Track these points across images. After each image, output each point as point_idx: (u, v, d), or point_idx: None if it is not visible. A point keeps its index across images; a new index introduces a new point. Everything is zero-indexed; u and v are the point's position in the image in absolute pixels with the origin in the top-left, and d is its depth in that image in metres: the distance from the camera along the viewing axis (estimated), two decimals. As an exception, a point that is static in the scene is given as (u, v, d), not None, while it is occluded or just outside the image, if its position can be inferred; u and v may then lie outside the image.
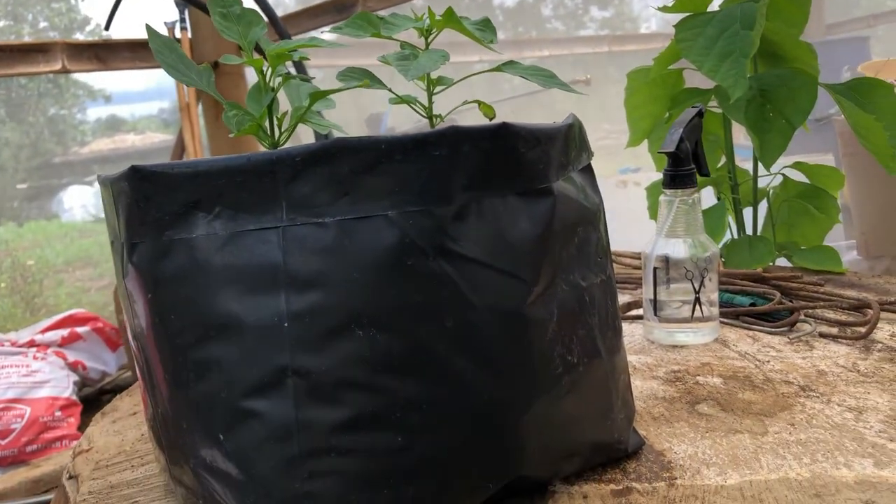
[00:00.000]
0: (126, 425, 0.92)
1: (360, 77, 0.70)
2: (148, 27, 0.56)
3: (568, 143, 0.57)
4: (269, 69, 0.54)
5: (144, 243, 0.52)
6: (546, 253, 0.53)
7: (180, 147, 2.81)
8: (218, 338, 0.50)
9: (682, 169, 0.86)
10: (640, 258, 1.29)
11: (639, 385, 0.77)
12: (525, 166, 0.52)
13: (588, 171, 0.62)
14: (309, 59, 0.55)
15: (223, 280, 0.50)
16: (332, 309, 0.49)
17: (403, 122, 3.81)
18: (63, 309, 4.30)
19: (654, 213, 1.29)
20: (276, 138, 0.54)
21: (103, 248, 5.59)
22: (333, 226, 0.49)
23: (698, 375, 0.79)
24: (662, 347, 0.88)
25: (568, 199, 0.56)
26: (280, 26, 2.23)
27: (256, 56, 0.57)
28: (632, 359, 0.84)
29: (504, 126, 0.51)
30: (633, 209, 2.10)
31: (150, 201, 0.51)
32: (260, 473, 0.49)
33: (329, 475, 0.49)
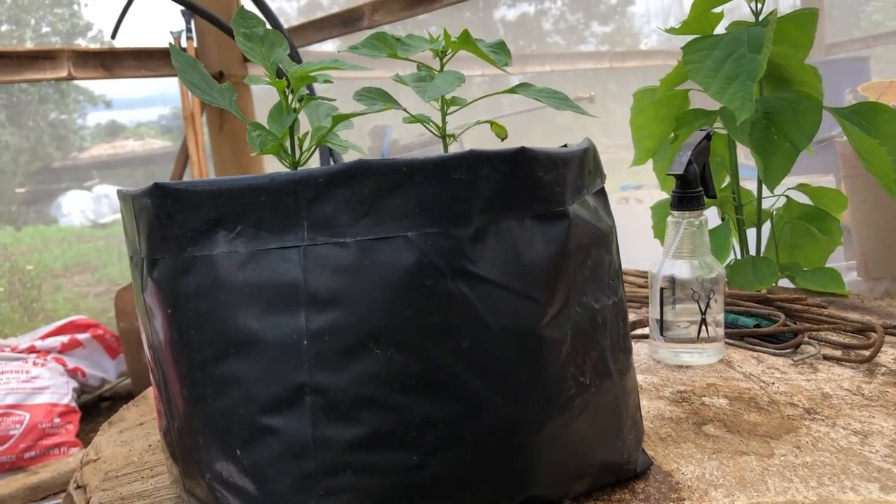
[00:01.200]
0: (133, 436, 0.92)
1: (378, 98, 0.71)
2: (171, 47, 0.57)
3: (583, 167, 0.58)
4: (292, 90, 0.54)
5: (165, 259, 0.53)
6: (561, 275, 0.54)
7: (184, 155, 2.82)
8: (237, 354, 0.51)
9: (690, 191, 0.87)
10: (643, 276, 1.30)
11: (646, 405, 0.78)
12: (542, 190, 0.53)
13: (601, 194, 0.62)
14: (332, 82, 0.56)
15: (244, 298, 0.51)
16: (350, 328, 0.49)
17: (407, 134, 3.82)
18: (61, 314, 4.30)
19: (658, 232, 1.30)
20: (297, 158, 0.55)
21: (101, 254, 5.59)
22: (354, 246, 0.49)
23: (704, 396, 0.80)
24: (668, 367, 0.89)
25: (582, 222, 0.57)
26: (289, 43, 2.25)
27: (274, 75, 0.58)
28: (638, 378, 0.85)
29: (522, 150, 0.52)
30: (634, 226, 2.11)
31: (172, 218, 0.52)
32: (276, 489, 0.50)
33: (344, 492, 0.49)
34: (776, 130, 1.13)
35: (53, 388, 2.41)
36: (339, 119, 0.54)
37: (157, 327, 0.56)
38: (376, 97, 0.72)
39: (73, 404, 2.44)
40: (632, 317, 1.08)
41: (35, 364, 2.47)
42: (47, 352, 2.58)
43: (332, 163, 2.31)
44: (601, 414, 0.58)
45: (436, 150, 0.74)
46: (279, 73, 0.58)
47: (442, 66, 0.75)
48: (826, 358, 0.89)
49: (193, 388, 0.53)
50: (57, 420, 2.33)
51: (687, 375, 0.86)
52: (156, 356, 0.58)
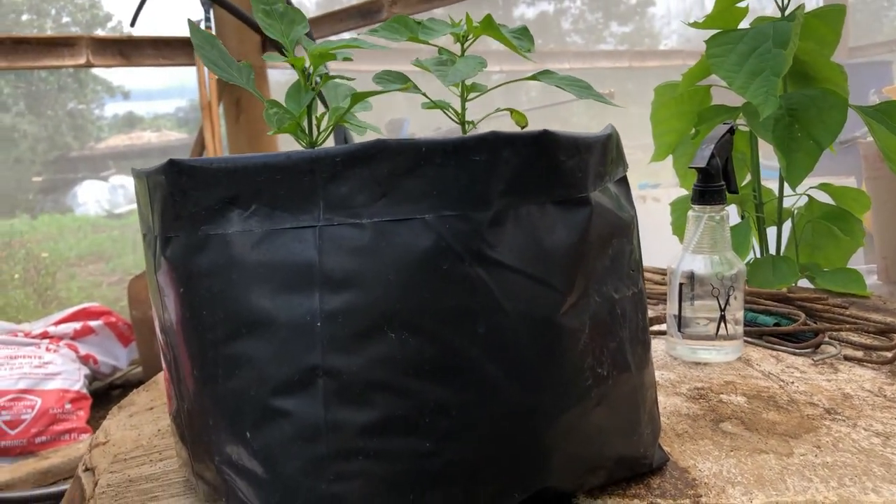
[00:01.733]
0: (143, 420, 0.92)
1: (397, 81, 0.70)
2: (190, 22, 0.56)
3: (606, 153, 0.56)
4: (311, 68, 0.53)
5: (179, 238, 0.52)
6: (581, 263, 0.53)
7: (200, 146, 2.82)
8: (249, 335, 0.50)
9: (712, 185, 0.85)
10: (661, 273, 1.29)
11: (662, 401, 0.76)
12: (564, 175, 0.52)
13: (623, 182, 0.61)
14: (352, 59, 0.54)
15: (257, 277, 0.50)
16: (365, 310, 0.48)
17: (424, 127, 3.81)
18: (75, 302, 4.32)
19: (677, 228, 1.29)
20: (315, 138, 0.54)
21: (116, 244, 5.62)
22: (370, 227, 0.48)
23: (722, 393, 0.78)
24: (685, 364, 0.87)
25: (604, 210, 0.56)
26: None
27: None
28: (655, 374, 0.84)
29: (545, 133, 0.51)
30: (652, 224, 2.09)
31: (186, 196, 0.51)
32: (286, 473, 0.49)
33: (356, 477, 0.48)
34: (800, 127, 1.11)
35: (65, 374, 2.41)
36: (358, 98, 0.53)
37: (168, 307, 0.55)
38: (395, 80, 0.71)
39: (85, 391, 2.44)
40: (649, 313, 1.07)
41: (48, 350, 2.47)
42: (60, 338, 2.59)
43: (345, 143, 2.30)
44: (618, 407, 0.57)
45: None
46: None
47: (463, 51, 0.74)
48: (847, 358, 0.87)
49: (204, 369, 0.52)
50: (68, 406, 2.34)
51: (704, 373, 0.84)
52: (167, 337, 0.57)
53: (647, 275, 1.29)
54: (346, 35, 2.84)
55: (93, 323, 2.70)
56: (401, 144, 0.48)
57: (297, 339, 0.49)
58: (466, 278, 0.49)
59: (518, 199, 0.50)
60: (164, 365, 0.61)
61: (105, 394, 2.74)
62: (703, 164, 0.84)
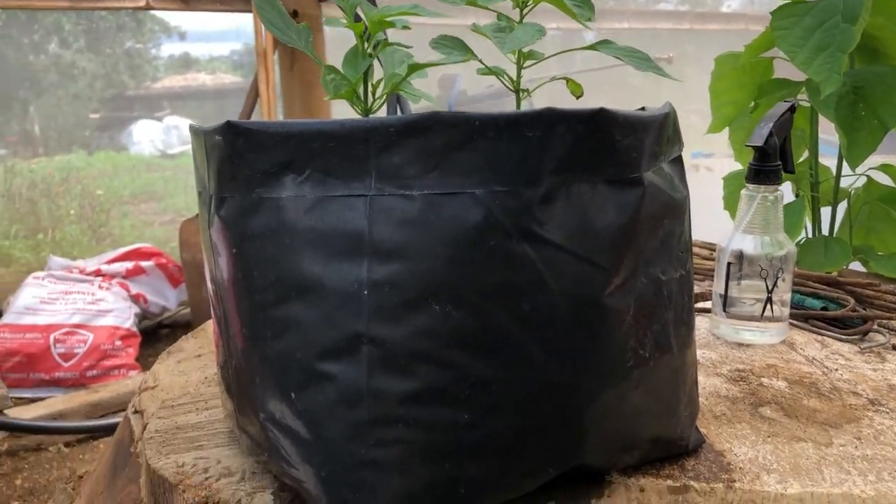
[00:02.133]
0: (190, 367, 0.95)
1: (454, 47, 0.70)
2: (251, -17, 0.56)
3: (662, 132, 0.56)
4: (369, 34, 0.53)
5: (233, 198, 0.53)
6: (630, 244, 0.53)
7: (254, 92, 2.84)
8: (298, 299, 0.51)
9: (768, 164, 0.84)
10: (710, 248, 1.27)
11: (702, 381, 0.76)
12: (618, 154, 0.52)
13: (678, 162, 0.60)
14: (410, 28, 0.54)
15: (308, 243, 0.50)
16: (411, 281, 0.49)
17: (476, 84, 3.78)
18: (127, 240, 4.44)
19: (728, 203, 1.27)
20: (370, 105, 0.54)
21: (168, 184, 5.71)
22: (420, 199, 0.49)
23: (763, 377, 0.78)
24: (727, 344, 0.87)
25: (656, 190, 0.55)
26: None
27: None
28: (696, 353, 0.83)
29: (601, 111, 0.50)
30: (703, 195, 2.06)
31: (242, 158, 0.52)
32: (328, 435, 0.50)
33: (394, 444, 0.49)
34: (864, 106, 1.08)
35: (117, 311, 2.49)
36: (415, 68, 0.53)
37: (221, 265, 0.56)
38: (453, 46, 0.71)
39: (135, 329, 2.52)
40: (695, 289, 1.06)
41: (100, 287, 2.55)
42: (112, 276, 2.66)
43: (399, 111, 2.30)
44: (658, 388, 0.57)
45: (505, 104, 0.72)
46: (356, 17, 0.57)
47: (522, 16, 0.73)
48: None
49: (253, 329, 0.54)
50: (118, 343, 2.42)
51: (746, 354, 0.84)
52: (218, 292, 0.59)
53: (696, 249, 1.27)
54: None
55: (144, 263, 2.77)
56: (455, 118, 0.48)
57: (345, 306, 0.50)
58: (514, 255, 0.49)
59: (570, 177, 0.50)
60: (213, 317, 0.63)
61: (154, 332, 2.83)
62: (760, 143, 0.82)
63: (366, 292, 0.49)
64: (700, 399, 0.72)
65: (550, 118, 0.49)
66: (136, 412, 0.87)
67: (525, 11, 0.73)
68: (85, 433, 2.06)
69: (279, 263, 0.52)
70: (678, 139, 0.60)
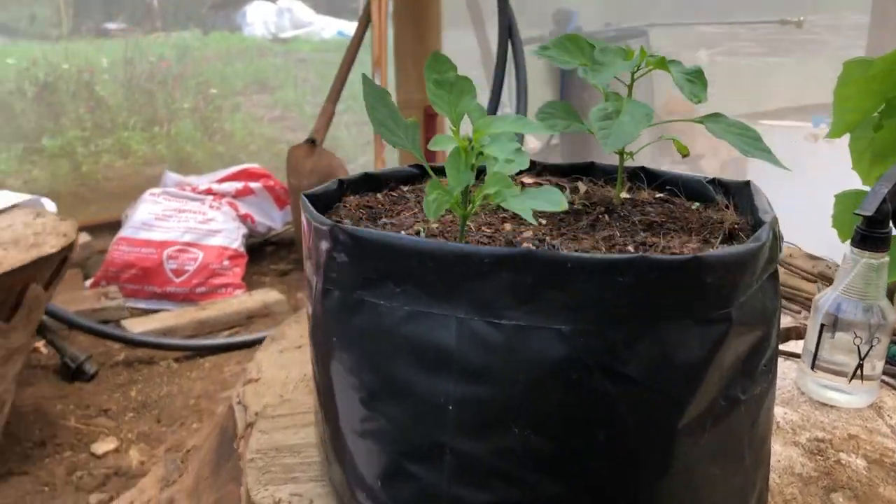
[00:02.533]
0: (291, 360, 1.01)
1: (560, 115, 0.70)
2: (364, 77, 0.58)
3: (758, 264, 0.55)
4: (473, 146, 0.55)
5: (337, 293, 0.57)
6: (710, 376, 0.54)
7: (366, 17, 2.83)
8: (390, 399, 0.55)
9: (876, 231, 0.81)
10: (812, 260, 1.24)
11: (778, 450, 0.77)
12: (708, 295, 0.52)
13: (773, 277, 0.60)
14: (521, 147, 0.56)
15: (402, 350, 0.54)
16: (493, 403, 0.52)
17: (592, 19, 3.64)
18: (237, 137, 4.60)
19: (837, 223, 1.22)
20: (467, 210, 0.56)
21: (279, 73, 5.78)
22: (508, 329, 0.51)
23: (842, 451, 0.78)
24: (811, 403, 0.87)
25: (746, 318, 0.55)
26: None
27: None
28: (778, 411, 0.84)
29: (695, 260, 0.50)
30: (816, 175, 1.95)
31: (346, 258, 0.55)
32: (408, 526, 0.55)
33: (468, 545, 0.54)
34: None
35: (226, 231, 2.62)
36: (503, 184, 0.54)
37: (320, 340, 0.61)
38: (561, 115, 0.71)
39: (242, 249, 2.65)
40: (787, 321, 1.05)
41: (211, 207, 2.68)
42: (222, 195, 2.79)
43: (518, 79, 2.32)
44: (727, 499, 0.59)
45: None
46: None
47: (631, 86, 0.72)
48: None
49: (347, 413, 0.58)
50: (226, 262, 2.55)
51: (829, 418, 0.84)
52: (319, 362, 0.63)
53: (797, 262, 1.24)
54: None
55: (253, 184, 2.88)
56: (547, 257, 0.50)
57: (432, 415, 0.53)
58: (593, 390, 0.51)
59: (657, 319, 0.51)
60: (312, 380, 0.68)
61: (259, 249, 2.96)
62: (870, 212, 0.79)
63: (451, 407, 0.53)
64: (773, 475, 0.73)
65: (643, 266, 0.50)
66: (239, 403, 0.95)
67: (637, 76, 0.71)
68: (192, 351, 2.22)
69: (375, 362, 0.56)
70: (774, 257, 0.59)
